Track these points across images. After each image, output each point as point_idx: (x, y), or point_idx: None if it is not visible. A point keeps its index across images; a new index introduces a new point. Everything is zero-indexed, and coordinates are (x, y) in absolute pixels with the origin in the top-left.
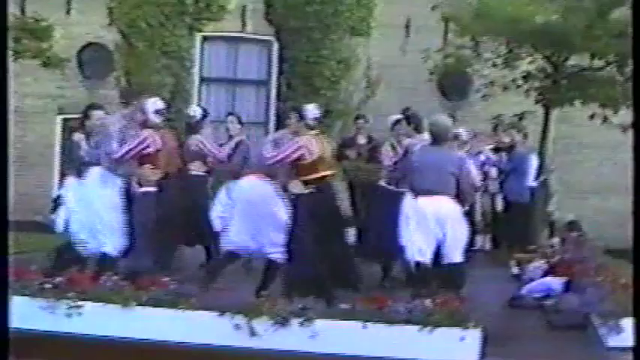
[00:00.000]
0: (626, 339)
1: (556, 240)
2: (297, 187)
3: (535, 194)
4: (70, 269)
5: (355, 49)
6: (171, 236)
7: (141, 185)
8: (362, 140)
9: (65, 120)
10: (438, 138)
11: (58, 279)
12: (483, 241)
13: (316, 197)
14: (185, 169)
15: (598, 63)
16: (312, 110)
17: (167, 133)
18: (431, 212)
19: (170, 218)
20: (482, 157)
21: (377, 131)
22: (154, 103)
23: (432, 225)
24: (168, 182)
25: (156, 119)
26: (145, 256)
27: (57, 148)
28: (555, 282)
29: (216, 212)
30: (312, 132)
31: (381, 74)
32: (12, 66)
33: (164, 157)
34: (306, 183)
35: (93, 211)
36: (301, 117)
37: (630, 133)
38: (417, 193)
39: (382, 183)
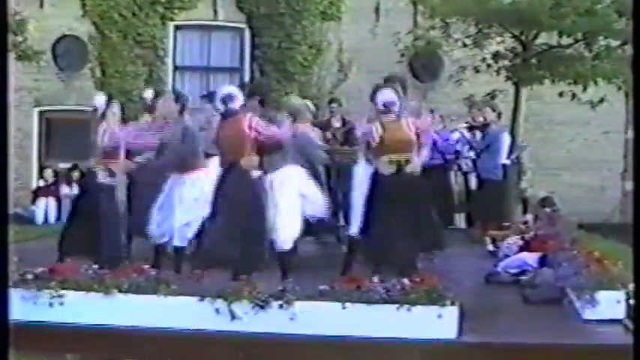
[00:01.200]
0: (602, 311)
1: (530, 216)
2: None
3: (508, 172)
4: None
5: (326, 34)
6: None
7: None
8: (336, 124)
9: (41, 112)
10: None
11: (40, 269)
12: (458, 220)
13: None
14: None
15: (566, 40)
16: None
17: (232, 122)
18: None
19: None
20: (456, 136)
21: (350, 114)
22: (224, 90)
23: None
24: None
25: (219, 106)
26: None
27: (35, 141)
28: (530, 257)
29: None
30: (387, 119)
31: (352, 58)
32: None
33: (221, 145)
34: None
35: None
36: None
37: (599, 109)
38: None
39: None
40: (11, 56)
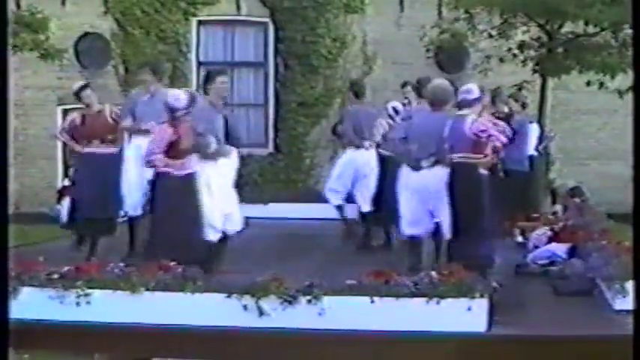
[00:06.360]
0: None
1: (559, 207)
2: None
3: (535, 162)
4: None
5: (350, 27)
6: None
7: None
8: None
9: (65, 111)
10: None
11: (66, 268)
12: None
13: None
14: None
15: (592, 29)
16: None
17: None
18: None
19: None
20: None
21: (376, 106)
22: None
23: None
24: None
25: None
26: None
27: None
28: (560, 248)
29: None
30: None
31: (377, 50)
32: (11, 59)
33: None
34: None
35: None
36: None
37: (627, 98)
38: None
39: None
40: (34, 55)
